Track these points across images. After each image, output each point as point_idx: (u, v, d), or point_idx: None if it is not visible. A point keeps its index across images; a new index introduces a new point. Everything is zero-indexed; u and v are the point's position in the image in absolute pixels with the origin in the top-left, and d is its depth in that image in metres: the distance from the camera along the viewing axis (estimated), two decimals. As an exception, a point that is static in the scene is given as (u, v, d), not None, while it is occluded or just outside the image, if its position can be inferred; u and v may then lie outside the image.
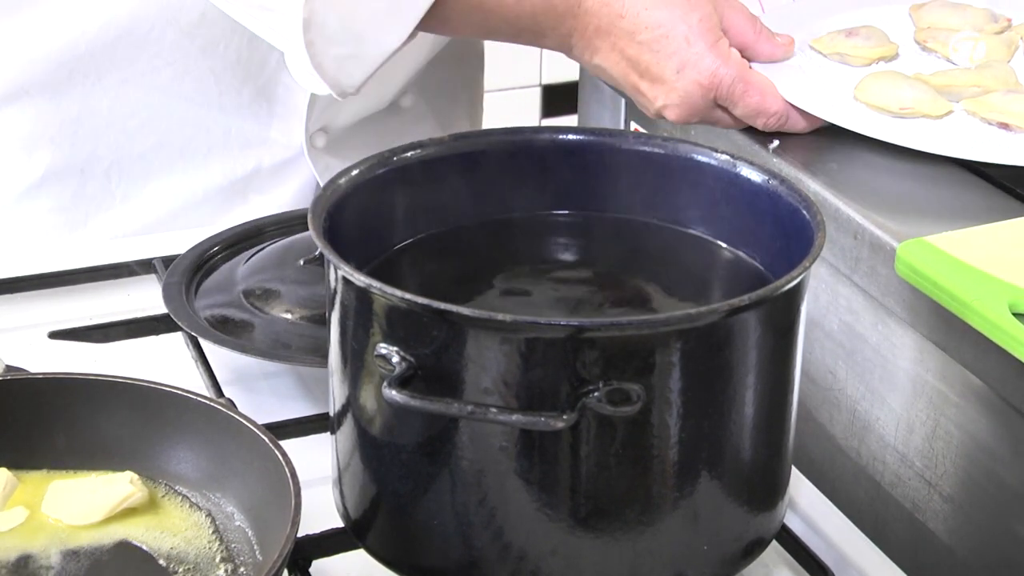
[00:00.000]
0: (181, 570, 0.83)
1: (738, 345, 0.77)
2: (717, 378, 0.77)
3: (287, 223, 1.14)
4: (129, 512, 0.85)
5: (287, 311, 1.03)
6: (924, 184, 1.06)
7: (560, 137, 0.91)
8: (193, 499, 0.87)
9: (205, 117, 1.25)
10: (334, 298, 0.80)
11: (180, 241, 1.13)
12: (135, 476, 0.87)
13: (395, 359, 0.76)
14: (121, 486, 0.86)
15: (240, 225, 1.14)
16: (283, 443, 0.85)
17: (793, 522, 0.90)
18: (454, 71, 1.39)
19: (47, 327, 1.06)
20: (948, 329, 0.94)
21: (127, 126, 1.24)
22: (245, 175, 1.28)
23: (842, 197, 1.02)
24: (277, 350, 1.00)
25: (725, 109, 1.10)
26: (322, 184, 1.27)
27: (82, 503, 0.85)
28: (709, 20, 1.07)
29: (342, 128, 1.29)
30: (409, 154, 0.88)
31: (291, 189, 1.30)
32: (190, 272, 1.08)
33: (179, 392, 0.88)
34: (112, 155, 1.24)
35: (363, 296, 0.77)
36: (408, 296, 0.75)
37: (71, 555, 0.83)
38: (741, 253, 0.88)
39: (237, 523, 0.85)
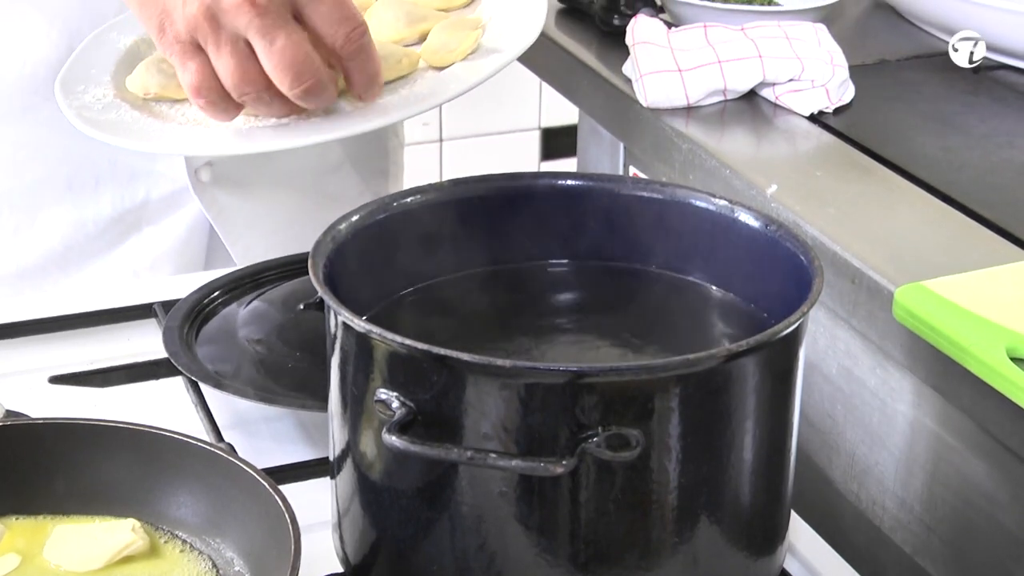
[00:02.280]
0: (181, 615, 0.83)
1: (737, 390, 0.77)
2: (716, 423, 0.77)
3: (287, 267, 1.14)
4: (130, 559, 0.85)
5: (287, 356, 1.03)
6: (922, 228, 1.06)
7: (560, 183, 0.91)
8: (193, 544, 0.87)
9: (89, 149, 1.24)
10: (334, 343, 0.80)
11: (180, 285, 1.13)
12: (137, 523, 0.86)
13: (395, 404, 0.76)
14: (123, 534, 0.85)
15: (240, 269, 1.14)
16: (283, 487, 0.84)
17: (792, 567, 0.90)
18: None
19: (47, 372, 1.06)
20: (946, 373, 0.94)
21: (15, 158, 1.24)
22: (134, 206, 1.28)
23: (840, 241, 1.03)
24: (277, 395, 1.00)
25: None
26: (210, 217, 1.28)
27: (83, 549, 0.85)
28: None
29: (230, 161, 1.29)
30: (409, 199, 0.89)
31: (184, 220, 1.30)
32: (190, 316, 1.08)
33: (179, 437, 0.88)
34: (1, 187, 1.25)
35: (363, 341, 0.78)
36: (408, 342, 0.75)
37: (71, 601, 0.83)
38: (739, 298, 0.88)
39: (237, 568, 0.85)
